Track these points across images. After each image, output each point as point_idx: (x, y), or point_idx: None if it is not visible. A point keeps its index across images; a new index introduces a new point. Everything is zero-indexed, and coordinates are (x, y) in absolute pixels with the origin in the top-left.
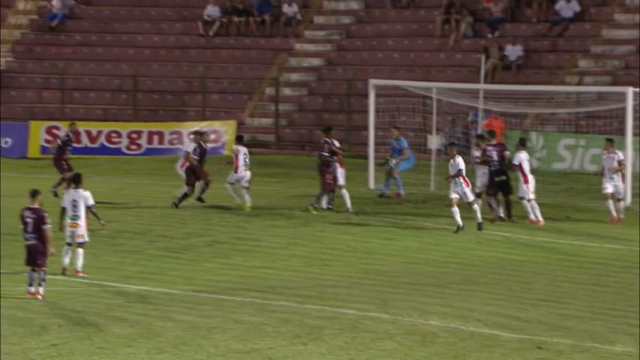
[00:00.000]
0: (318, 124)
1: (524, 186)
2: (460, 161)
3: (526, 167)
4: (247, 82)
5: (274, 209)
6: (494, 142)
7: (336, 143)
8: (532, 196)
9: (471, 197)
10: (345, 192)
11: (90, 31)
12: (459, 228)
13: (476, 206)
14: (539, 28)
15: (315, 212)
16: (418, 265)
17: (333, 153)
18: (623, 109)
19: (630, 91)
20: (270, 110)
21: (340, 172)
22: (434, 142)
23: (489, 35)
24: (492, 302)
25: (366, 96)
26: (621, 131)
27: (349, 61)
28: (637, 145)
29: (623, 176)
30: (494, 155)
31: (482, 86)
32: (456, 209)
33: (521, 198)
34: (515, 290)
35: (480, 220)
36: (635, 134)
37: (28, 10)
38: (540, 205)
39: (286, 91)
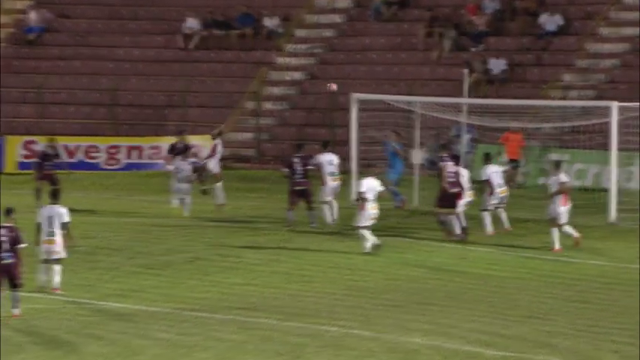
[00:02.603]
0: (299, 138)
1: (487, 196)
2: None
3: (494, 180)
4: (228, 96)
5: (255, 225)
6: (445, 154)
7: (329, 159)
8: (491, 207)
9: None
10: (333, 203)
11: (68, 45)
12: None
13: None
14: (524, 42)
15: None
16: (401, 281)
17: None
18: (608, 124)
19: (615, 105)
20: (251, 124)
21: (330, 188)
22: (417, 156)
23: (473, 49)
24: (475, 319)
25: (348, 110)
26: (605, 146)
27: (331, 74)
28: (626, 160)
29: (565, 200)
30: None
31: (465, 100)
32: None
33: (482, 210)
34: (499, 307)
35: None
36: (619, 149)
37: (5, 24)
38: (525, 220)
39: (267, 105)
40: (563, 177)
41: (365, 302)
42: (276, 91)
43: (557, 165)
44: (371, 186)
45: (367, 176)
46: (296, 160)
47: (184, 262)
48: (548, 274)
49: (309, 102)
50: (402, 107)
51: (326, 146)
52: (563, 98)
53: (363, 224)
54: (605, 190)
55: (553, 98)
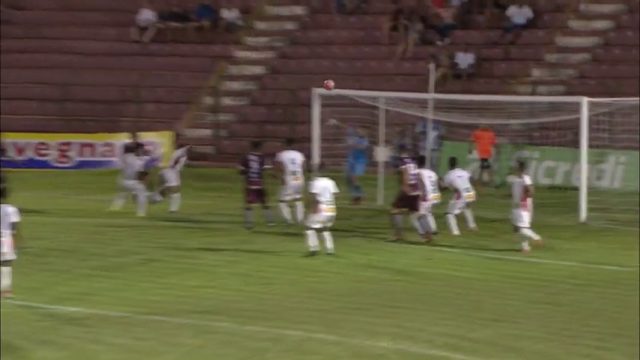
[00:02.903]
0: (260, 135)
1: (454, 201)
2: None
3: (460, 185)
4: (185, 91)
5: (213, 225)
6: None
7: (291, 157)
8: (457, 211)
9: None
10: (296, 203)
11: (19, 37)
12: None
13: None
14: (491, 36)
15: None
16: (365, 283)
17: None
18: (578, 120)
19: (585, 101)
20: (210, 121)
21: (291, 187)
22: (381, 154)
23: (439, 42)
24: (442, 322)
25: (310, 106)
26: (576, 143)
27: (293, 69)
28: (597, 158)
29: (526, 204)
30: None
31: (431, 96)
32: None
33: (447, 213)
34: (466, 309)
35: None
36: (590, 146)
37: None
38: (492, 220)
39: (226, 101)
40: (527, 180)
41: (328, 305)
42: (235, 86)
43: (522, 166)
44: (323, 187)
45: (320, 177)
46: (252, 158)
47: (138, 263)
48: (516, 276)
49: (270, 98)
50: (365, 103)
51: (290, 143)
52: (532, 94)
53: (312, 225)
54: (576, 189)
55: (521, 94)
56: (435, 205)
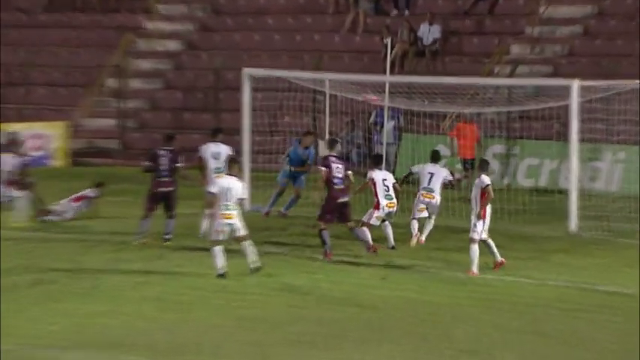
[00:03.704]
0: (176, 126)
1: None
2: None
3: (422, 180)
4: (83, 71)
5: (119, 238)
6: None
7: (215, 151)
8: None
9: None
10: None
11: None
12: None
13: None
14: (461, 5)
15: (169, 243)
16: (307, 309)
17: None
18: (567, 108)
19: (575, 84)
20: (113, 108)
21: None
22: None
23: (397, 12)
24: (402, 355)
25: (238, 89)
26: (565, 136)
27: (216, 44)
28: (590, 154)
29: (483, 211)
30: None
31: (388, 78)
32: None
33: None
34: (431, 340)
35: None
36: (582, 140)
37: None
38: (461, 230)
39: (134, 84)
40: (485, 180)
41: (261, 336)
42: (145, 65)
43: (484, 165)
44: (226, 187)
45: (229, 174)
46: (162, 153)
47: (27, 285)
48: (491, 299)
49: (188, 80)
50: (307, 87)
51: (216, 135)
52: (511, 76)
53: (214, 238)
54: (565, 192)
55: (498, 75)
56: (390, 215)
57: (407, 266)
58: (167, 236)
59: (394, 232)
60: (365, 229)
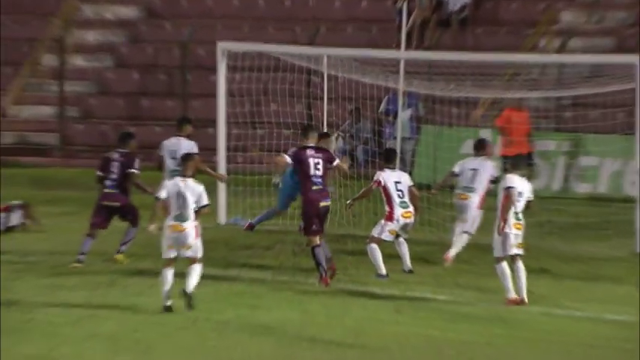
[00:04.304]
0: (131, 115)
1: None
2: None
3: (463, 180)
4: (13, 46)
5: (58, 260)
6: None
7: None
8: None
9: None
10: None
11: None
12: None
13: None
14: None
15: (121, 258)
16: (300, 349)
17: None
18: (633, 92)
19: None
20: (51, 93)
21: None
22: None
23: None
24: None
25: (212, 69)
26: (630, 128)
27: (181, 11)
28: None
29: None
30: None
31: (402, 54)
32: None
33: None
34: None
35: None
36: None
37: None
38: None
39: (78, 61)
40: (510, 180)
41: None
42: (91, 37)
43: (518, 163)
44: (178, 191)
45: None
46: (114, 157)
47: None
48: (536, 338)
49: (146, 55)
50: (299, 65)
51: (182, 127)
52: (561, 51)
53: (163, 257)
54: (631, 201)
55: (544, 51)
56: (406, 227)
57: (427, 295)
58: (121, 248)
59: (411, 251)
60: (374, 246)
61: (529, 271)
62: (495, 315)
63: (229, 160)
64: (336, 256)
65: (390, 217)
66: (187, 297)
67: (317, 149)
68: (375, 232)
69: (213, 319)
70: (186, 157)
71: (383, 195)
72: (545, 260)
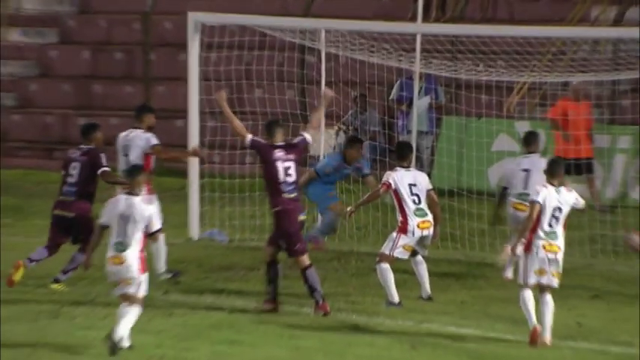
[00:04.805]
0: (79, 104)
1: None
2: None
3: (517, 184)
4: None
5: None
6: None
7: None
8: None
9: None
10: (160, 242)
11: None
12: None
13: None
14: None
15: (58, 288)
16: None
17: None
18: None
19: None
20: None
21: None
22: (322, 143)
23: None
24: None
25: (182, 46)
26: None
27: None
28: None
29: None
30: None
31: (420, 28)
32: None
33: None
34: None
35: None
36: None
37: None
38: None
39: (14, 36)
40: (537, 191)
41: None
42: (29, 6)
43: (553, 167)
44: (121, 212)
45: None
46: (73, 156)
47: None
48: None
49: (100, 30)
50: (291, 42)
51: (142, 116)
52: (618, 23)
53: (114, 293)
54: None
55: (597, 23)
56: (425, 242)
57: (449, 329)
58: (59, 276)
59: (430, 272)
60: (385, 266)
61: (577, 296)
62: (534, 354)
63: (203, 159)
64: (337, 279)
65: (403, 229)
66: (112, 345)
67: (287, 149)
68: (385, 249)
69: (184, 357)
70: (133, 171)
71: (394, 201)
72: (598, 284)
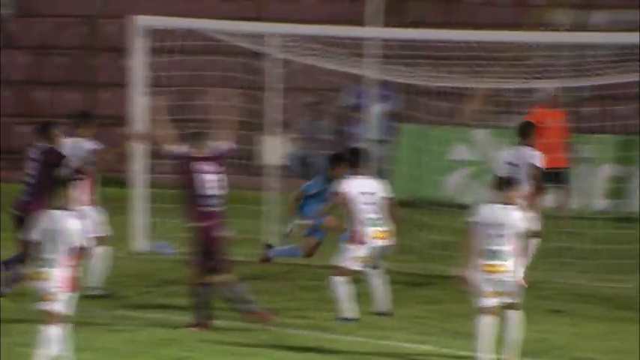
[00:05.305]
0: (16, 111)
1: None
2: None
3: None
4: None
5: None
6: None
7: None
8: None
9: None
10: (98, 256)
11: None
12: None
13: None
14: None
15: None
16: None
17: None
18: None
19: None
20: None
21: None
22: (272, 151)
23: None
24: None
25: (125, 51)
26: None
27: None
28: None
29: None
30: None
31: (376, 32)
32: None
33: None
34: None
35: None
36: None
37: None
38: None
39: None
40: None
41: None
42: None
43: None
44: (44, 227)
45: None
46: (33, 155)
47: None
48: None
49: (41, 34)
50: (240, 46)
51: (83, 122)
52: (582, 28)
53: (39, 307)
54: None
55: (556, 27)
56: (381, 253)
57: (407, 345)
58: (3, 288)
59: (388, 286)
60: (339, 279)
61: (541, 312)
62: None
63: (149, 168)
64: (290, 293)
65: (357, 239)
66: None
67: (211, 160)
68: (340, 261)
69: None
70: (63, 181)
71: (348, 210)
72: (562, 299)
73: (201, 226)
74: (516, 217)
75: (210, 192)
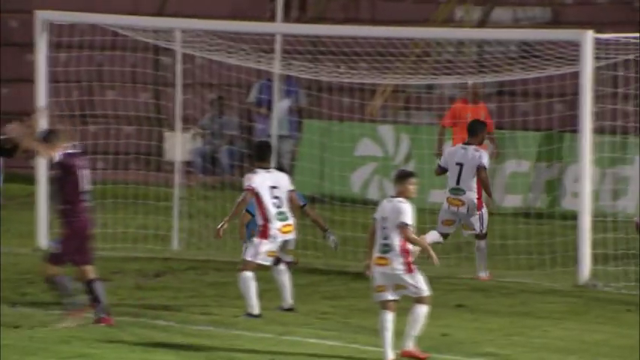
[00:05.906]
0: None
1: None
2: None
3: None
4: None
5: None
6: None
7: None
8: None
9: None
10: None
11: None
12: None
13: None
14: None
15: None
16: None
17: None
18: (575, 78)
19: (589, 37)
20: None
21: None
22: (177, 147)
23: None
24: None
25: (28, 46)
26: (569, 122)
27: None
28: (618, 152)
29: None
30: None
31: (278, 28)
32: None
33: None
34: None
35: None
36: (598, 131)
37: None
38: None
39: None
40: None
41: None
42: None
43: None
44: None
45: None
46: None
47: None
48: None
49: None
50: (144, 41)
51: None
52: (482, 25)
53: None
54: (571, 218)
55: (459, 24)
56: (286, 246)
57: (311, 340)
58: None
59: (292, 283)
60: (247, 275)
61: (442, 306)
62: None
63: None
64: (193, 289)
65: (264, 234)
66: None
67: (82, 156)
68: (247, 255)
69: None
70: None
71: (255, 204)
72: (463, 293)
73: (80, 220)
74: (402, 210)
75: (87, 187)
